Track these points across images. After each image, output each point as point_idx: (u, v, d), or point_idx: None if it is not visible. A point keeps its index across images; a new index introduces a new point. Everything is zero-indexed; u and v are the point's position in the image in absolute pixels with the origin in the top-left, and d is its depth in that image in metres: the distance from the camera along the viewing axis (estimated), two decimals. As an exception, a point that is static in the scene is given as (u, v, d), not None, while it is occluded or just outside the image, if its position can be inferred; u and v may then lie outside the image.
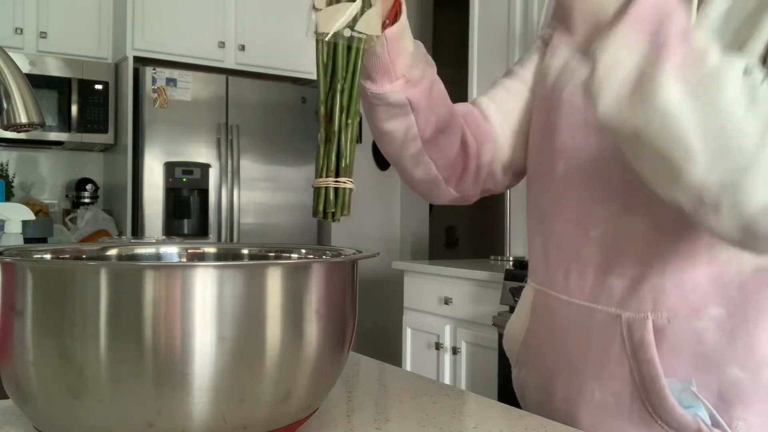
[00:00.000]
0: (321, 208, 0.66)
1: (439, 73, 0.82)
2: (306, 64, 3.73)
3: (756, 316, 0.67)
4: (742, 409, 0.67)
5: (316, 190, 0.66)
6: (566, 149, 0.77)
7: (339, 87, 0.67)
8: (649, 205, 0.69)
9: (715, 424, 0.66)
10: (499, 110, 0.89)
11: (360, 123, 0.72)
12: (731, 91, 0.51)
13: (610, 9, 0.52)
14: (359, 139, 3.88)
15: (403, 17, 0.74)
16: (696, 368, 0.67)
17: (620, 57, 0.52)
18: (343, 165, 0.66)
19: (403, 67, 0.76)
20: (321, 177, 0.66)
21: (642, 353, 0.68)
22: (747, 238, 0.55)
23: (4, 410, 0.66)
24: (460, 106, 0.88)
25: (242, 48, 3.55)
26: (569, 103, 0.78)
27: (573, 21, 0.57)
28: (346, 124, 0.67)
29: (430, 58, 0.82)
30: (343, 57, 0.67)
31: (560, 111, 0.79)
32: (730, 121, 0.51)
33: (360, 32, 0.67)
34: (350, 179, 0.67)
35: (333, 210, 0.66)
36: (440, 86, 0.83)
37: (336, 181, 0.66)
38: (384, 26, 0.72)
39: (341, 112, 0.67)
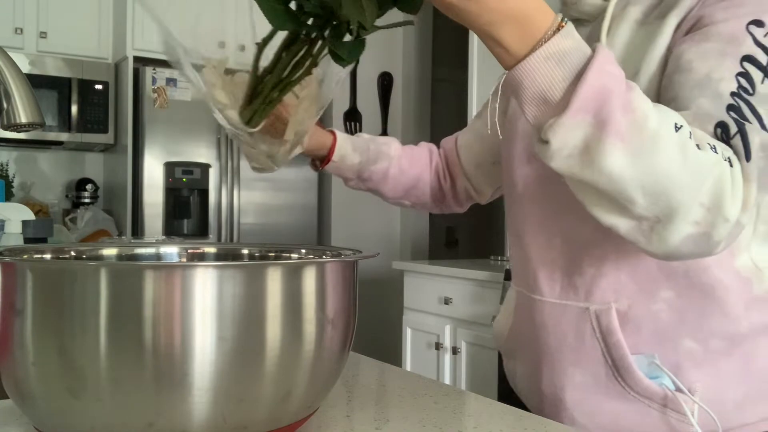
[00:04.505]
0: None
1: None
2: (306, 64, 3.72)
3: (700, 295, 0.77)
4: (696, 373, 0.77)
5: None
6: (523, 172, 0.89)
7: None
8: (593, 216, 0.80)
9: (678, 389, 0.77)
10: (466, 149, 1.12)
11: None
12: (668, 152, 0.60)
13: (557, 91, 0.59)
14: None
15: (335, 157, 1.05)
16: (656, 343, 0.78)
17: (570, 136, 0.59)
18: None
19: (352, 174, 1.09)
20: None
21: (610, 337, 0.79)
22: (668, 259, 0.68)
23: (4, 410, 0.66)
24: (449, 144, 1.15)
25: (242, 48, 3.55)
26: (523, 133, 0.90)
27: (521, 97, 0.62)
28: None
29: (384, 151, 1.09)
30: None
31: (515, 140, 0.91)
32: (666, 178, 0.61)
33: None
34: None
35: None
36: (401, 163, 1.10)
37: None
38: (324, 162, 1.06)
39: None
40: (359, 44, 0.74)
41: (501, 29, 0.58)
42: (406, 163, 1.11)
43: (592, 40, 0.84)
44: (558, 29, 0.59)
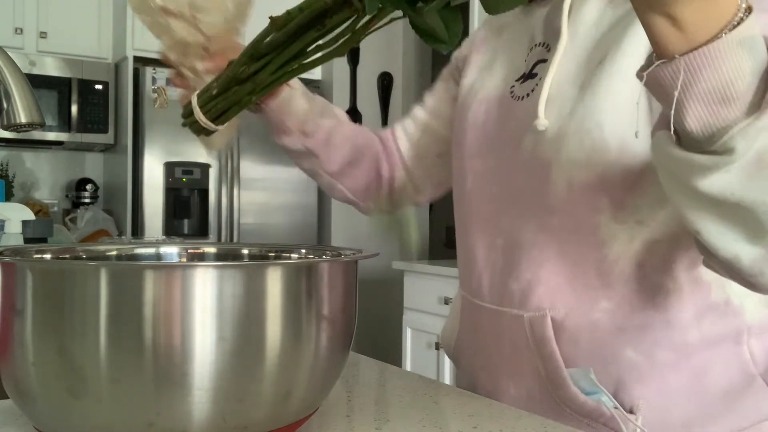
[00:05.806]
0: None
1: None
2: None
3: (642, 304, 0.70)
4: (641, 389, 0.70)
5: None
6: (472, 165, 0.84)
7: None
8: (537, 215, 0.74)
9: (615, 407, 0.70)
10: (408, 140, 1.01)
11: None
12: None
13: (741, 87, 0.47)
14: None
15: (285, 91, 0.89)
16: (594, 356, 0.71)
17: (756, 144, 0.47)
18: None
19: (296, 123, 0.92)
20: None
21: (543, 348, 0.72)
22: None
23: (4, 410, 0.66)
24: (385, 133, 1.03)
25: (242, 48, 3.54)
26: (473, 122, 0.84)
27: (691, 92, 0.48)
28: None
29: (330, 109, 0.97)
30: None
31: (465, 130, 0.85)
32: None
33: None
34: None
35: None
36: (344, 129, 0.97)
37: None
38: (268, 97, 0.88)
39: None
40: (455, 16, 0.55)
41: (685, 4, 0.46)
42: (352, 129, 1.00)
43: (552, 20, 0.76)
44: (747, 10, 0.47)
